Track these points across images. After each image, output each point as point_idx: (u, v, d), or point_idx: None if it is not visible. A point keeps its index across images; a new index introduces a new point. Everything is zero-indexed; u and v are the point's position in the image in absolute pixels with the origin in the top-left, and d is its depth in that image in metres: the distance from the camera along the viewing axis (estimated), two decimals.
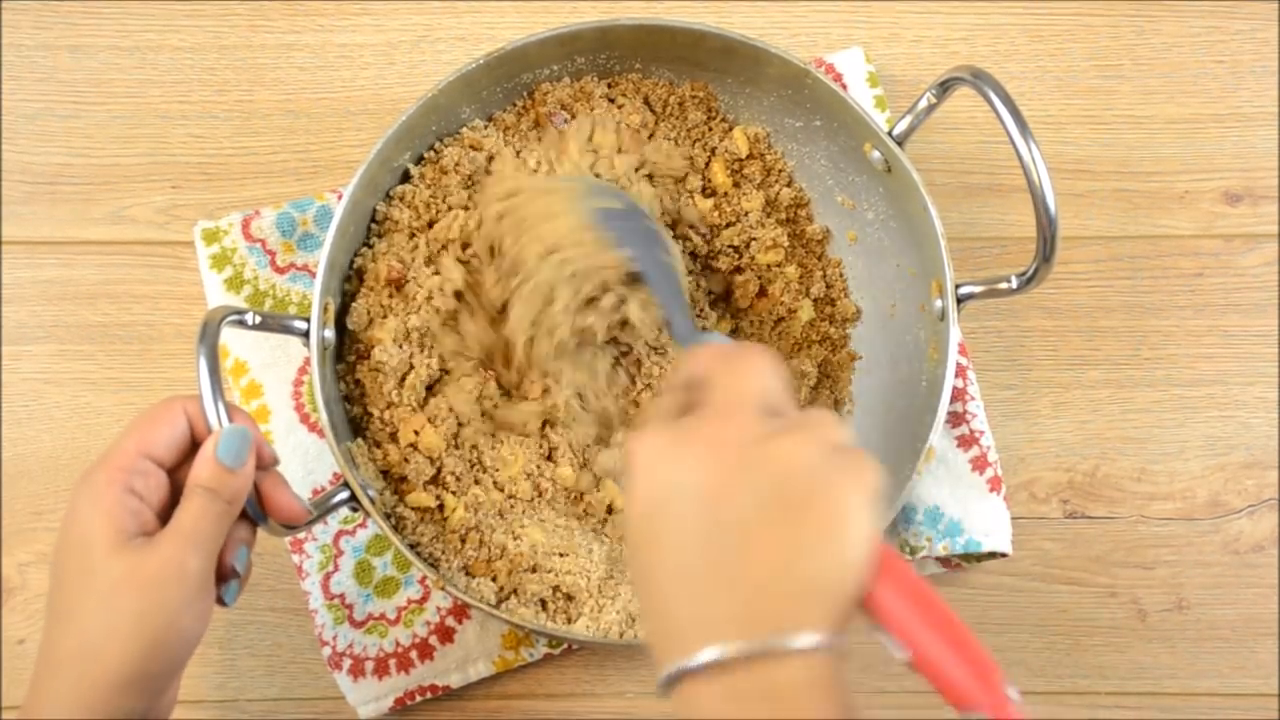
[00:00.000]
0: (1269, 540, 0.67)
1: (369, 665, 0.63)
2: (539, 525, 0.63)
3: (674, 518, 0.43)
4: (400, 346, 0.61)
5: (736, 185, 0.68)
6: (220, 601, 0.51)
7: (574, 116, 0.66)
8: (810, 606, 0.41)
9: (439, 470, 0.62)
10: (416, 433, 0.61)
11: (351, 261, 0.63)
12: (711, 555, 0.42)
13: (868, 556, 0.42)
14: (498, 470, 0.63)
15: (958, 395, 0.66)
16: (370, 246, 0.63)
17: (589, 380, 0.65)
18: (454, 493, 0.62)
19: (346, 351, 0.63)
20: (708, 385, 0.45)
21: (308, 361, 0.65)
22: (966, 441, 0.65)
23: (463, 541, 0.61)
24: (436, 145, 0.65)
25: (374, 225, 0.64)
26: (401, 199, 0.64)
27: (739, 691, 0.40)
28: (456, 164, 0.64)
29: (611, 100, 0.67)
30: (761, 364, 0.46)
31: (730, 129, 0.67)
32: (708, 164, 0.68)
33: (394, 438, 0.62)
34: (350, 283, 0.63)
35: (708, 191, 0.68)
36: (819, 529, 0.42)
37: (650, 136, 0.67)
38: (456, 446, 0.63)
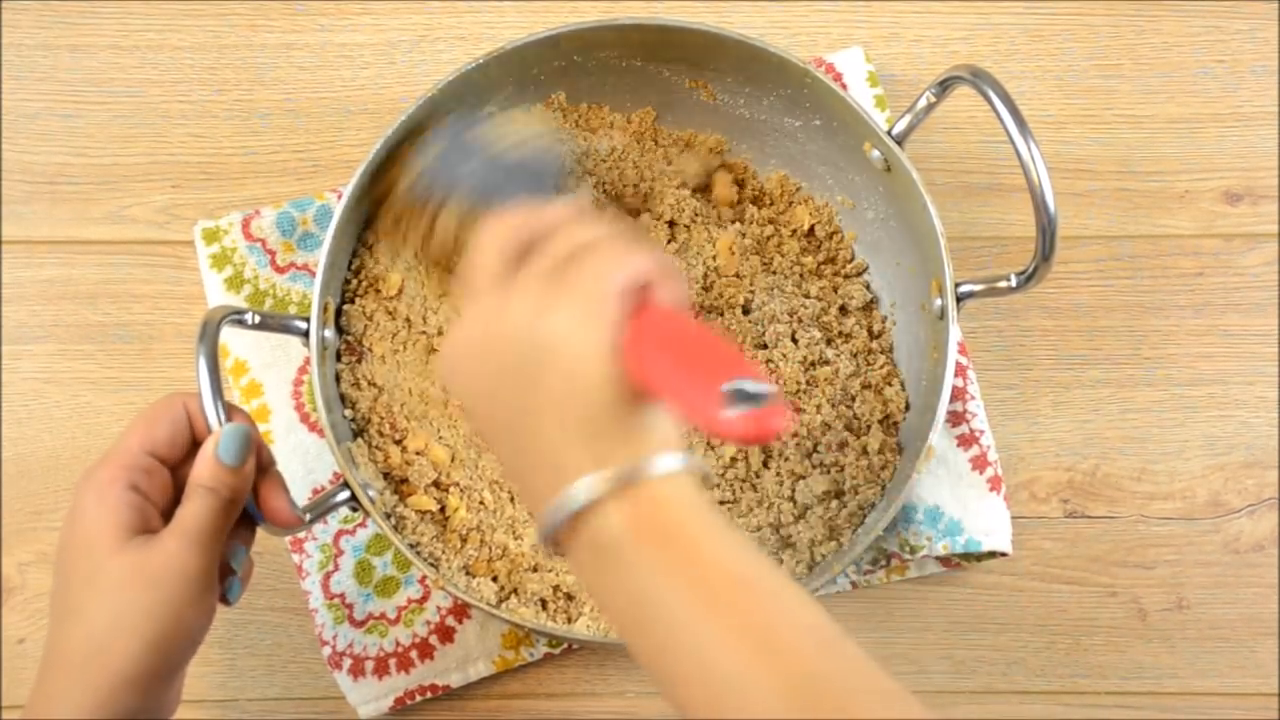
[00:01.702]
0: (1269, 540, 0.67)
1: (369, 665, 0.63)
2: None
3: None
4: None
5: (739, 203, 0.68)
6: (224, 600, 0.51)
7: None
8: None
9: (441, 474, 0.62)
10: (424, 448, 0.62)
11: (351, 261, 0.63)
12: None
13: (608, 350, 0.42)
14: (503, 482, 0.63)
15: (958, 394, 0.66)
16: (369, 247, 0.63)
17: None
18: (457, 496, 0.62)
19: (344, 352, 0.63)
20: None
21: (308, 361, 0.65)
22: (966, 441, 0.65)
23: (463, 541, 0.61)
24: None
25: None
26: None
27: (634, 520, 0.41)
28: None
29: None
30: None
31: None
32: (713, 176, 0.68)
33: (397, 441, 0.62)
34: (350, 283, 0.63)
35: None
36: (562, 385, 0.42)
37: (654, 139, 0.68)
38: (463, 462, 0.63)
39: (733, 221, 0.67)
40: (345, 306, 0.63)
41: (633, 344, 0.42)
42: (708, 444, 0.63)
